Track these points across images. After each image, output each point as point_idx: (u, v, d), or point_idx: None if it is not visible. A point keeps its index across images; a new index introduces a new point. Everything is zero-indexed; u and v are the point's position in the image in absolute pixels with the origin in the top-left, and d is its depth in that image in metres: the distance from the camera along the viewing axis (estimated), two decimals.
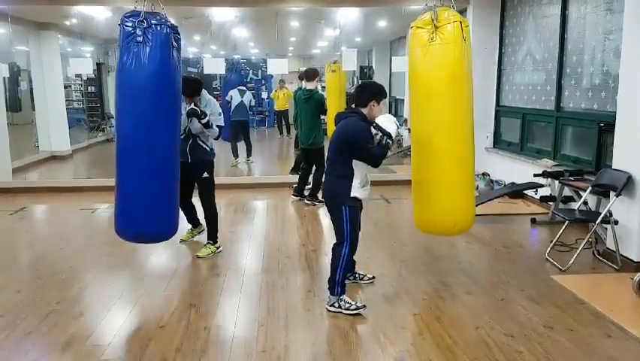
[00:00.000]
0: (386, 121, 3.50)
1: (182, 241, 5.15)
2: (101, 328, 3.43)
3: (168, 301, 3.82)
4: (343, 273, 3.60)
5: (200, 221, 5.16)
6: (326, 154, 3.84)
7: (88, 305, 3.82)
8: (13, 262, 4.83)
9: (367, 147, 3.46)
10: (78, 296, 3.95)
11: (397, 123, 3.56)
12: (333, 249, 3.67)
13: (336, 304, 3.59)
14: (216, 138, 4.69)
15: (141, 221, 3.57)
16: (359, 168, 3.56)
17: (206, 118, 4.46)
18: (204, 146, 4.69)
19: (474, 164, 3.93)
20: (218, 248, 4.86)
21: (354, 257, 3.90)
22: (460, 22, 3.62)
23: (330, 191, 3.67)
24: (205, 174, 4.73)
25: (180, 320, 3.51)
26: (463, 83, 3.73)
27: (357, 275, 4.15)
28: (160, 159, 3.52)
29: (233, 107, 9.76)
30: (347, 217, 3.56)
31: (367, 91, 3.66)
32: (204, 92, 4.67)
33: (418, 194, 3.98)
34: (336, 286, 3.60)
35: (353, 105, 3.74)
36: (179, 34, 3.49)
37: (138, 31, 3.29)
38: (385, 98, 3.74)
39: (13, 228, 6.00)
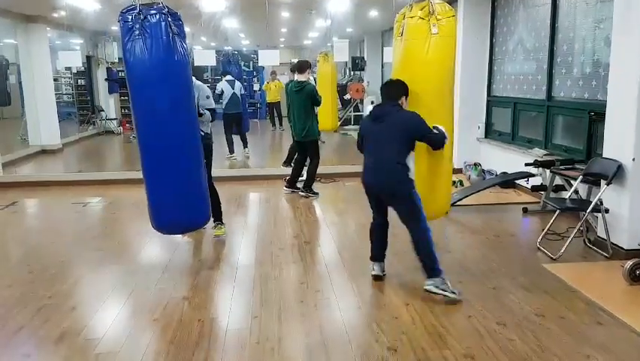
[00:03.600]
0: None
1: None
2: (94, 322, 3.42)
3: (161, 295, 3.81)
4: (435, 251, 3.70)
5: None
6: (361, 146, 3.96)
7: (80, 299, 3.80)
8: (4, 257, 4.80)
9: (430, 131, 3.68)
10: (70, 290, 3.94)
11: None
12: (416, 238, 3.72)
13: (442, 287, 3.64)
14: (212, 121, 4.78)
15: (169, 212, 3.68)
16: (411, 154, 3.74)
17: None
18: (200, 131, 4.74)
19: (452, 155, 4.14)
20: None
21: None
22: (455, 17, 3.75)
23: (398, 181, 3.71)
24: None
25: (173, 313, 3.51)
26: (453, 76, 3.89)
27: None
28: (179, 149, 3.57)
29: (226, 100, 9.51)
30: (419, 198, 3.71)
31: (400, 86, 3.79)
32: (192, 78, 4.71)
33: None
34: (437, 266, 3.67)
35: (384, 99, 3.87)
36: (180, 20, 3.46)
37: (136, 25, 3.27)
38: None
39: (4, 222, 5.96)
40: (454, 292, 3.63)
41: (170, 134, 3.48)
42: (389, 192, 3.80)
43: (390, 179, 3.74)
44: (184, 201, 3.66)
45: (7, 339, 3.19)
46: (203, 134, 4.74)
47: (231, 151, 9.85)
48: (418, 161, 3.83)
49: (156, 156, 3.57)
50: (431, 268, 3.67)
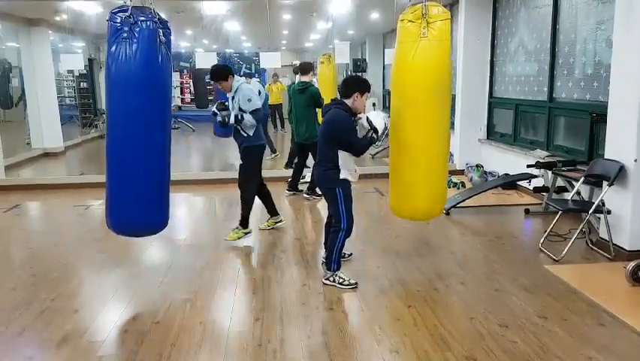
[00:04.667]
0: (376, 117, 3.82)
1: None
2: (97, 324, 3.43)
3: (163, 297, 3.82)
4: (339, 252, 3.95)
5: (278, 212, 5.50)
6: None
7: (83, 302, 3.81)
8: (7, 260, 4.81)
9: (349, 136, 3.79)
10: (73, 293, 3.94)
11: (387, 120, 3.80)
12: (330, 232, 3.97)
13: (332, 279, 3.96)
14: (259, 121, 4.88)
15: (129, 214, 3.55)
16: (344, 155, 3.85)
17: (230, 116, 4.68)
18: (242, 132, 4.88)
19: (448, 157, 4.18)
20: (246, 233, 5.07)
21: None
22: (449, 20, 3.73)
23: (322, 178, 3.95)
24: (240, 161, 5.01)
25: (175, 316, 3.51)
26: (448, 80, 3.85)
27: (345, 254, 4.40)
28: (146, 152, 3.49)
29: (262, 100, 9.70)
30: (342, 198, 3.86)
31: (351, 84, 3.94)
32: (238, 79, 4.87)
33: (395, 181, 4.11)
34: (333, 263, 3.95)
35: (338, 97, 4.04)
36: (169, 29, 3.47)
37: (125, 28, 3.28)
38: (369, 91, 3.94)
39: (7, 225, 5.97)
40: (350, 284, 3.90)
41: (141, 138, 3.44)
42: (321, 190, 4.12)
43: (317, 176, 4.02)
44: (145, 204, 3.56)
45: (10, 341, 3.20)
46: (245, 135, 4.87)
47: (273, 151, 10.22)
48: (399, 158, 3.94)
49: (124, 156, 3.51)
50: (330, 262, 3.96)
